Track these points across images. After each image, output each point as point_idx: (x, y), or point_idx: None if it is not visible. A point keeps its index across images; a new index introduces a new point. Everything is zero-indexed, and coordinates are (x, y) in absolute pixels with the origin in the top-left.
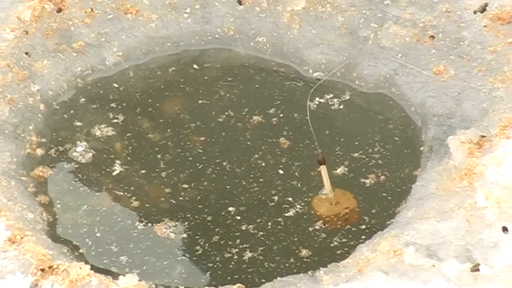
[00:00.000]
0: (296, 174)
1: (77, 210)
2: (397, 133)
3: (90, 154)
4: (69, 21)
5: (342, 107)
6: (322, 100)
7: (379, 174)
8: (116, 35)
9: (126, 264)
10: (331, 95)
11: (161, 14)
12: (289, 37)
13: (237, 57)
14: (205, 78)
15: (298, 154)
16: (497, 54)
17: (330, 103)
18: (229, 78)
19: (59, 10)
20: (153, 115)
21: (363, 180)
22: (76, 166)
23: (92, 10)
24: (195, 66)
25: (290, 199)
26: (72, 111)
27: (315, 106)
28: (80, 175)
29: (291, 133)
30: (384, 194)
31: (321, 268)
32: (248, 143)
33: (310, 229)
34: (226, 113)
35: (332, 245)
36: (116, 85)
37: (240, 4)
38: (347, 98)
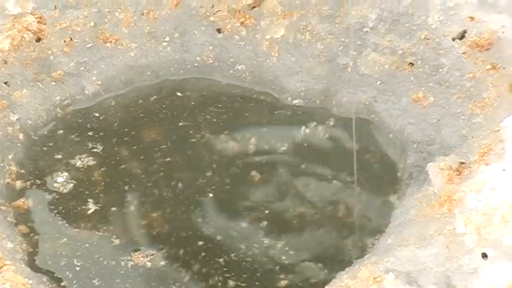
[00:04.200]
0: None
1: (56, 241)
2: (376, 160)
3: (71, 185)
4: (48, 51)
5: (326, 135)
6: (307, 130)
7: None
8: (95, 64)
9: None
10: (314, 123)
11: (140, 43)
12: (268, 65)
13: (218, 86)
14: (188, 104)
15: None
16: (476, 81)
17: (313, 132)
18: (211, 107)
19: (38, 39)
20: (134, 144)
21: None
22: (56, 197)
23: (71, 39)
24: (178, 93)
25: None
26: (51, 143)
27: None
28: (60, 206)
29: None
30: (364, 221)
31: None
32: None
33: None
34: (204, 138)
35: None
36: (97, 114)
37: (219, 32)
38: (331, 124)
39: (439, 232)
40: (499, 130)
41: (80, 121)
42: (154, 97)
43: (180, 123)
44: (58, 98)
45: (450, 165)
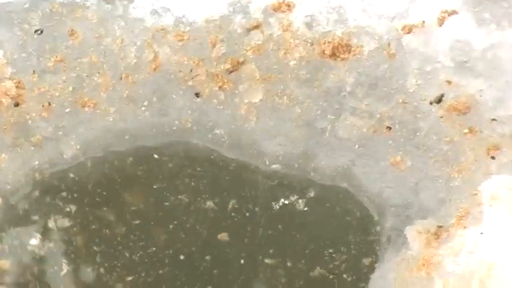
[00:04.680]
0: None
1: None
2: (355, 225)
3: (45, 246)
4: (26, 115)
5: (303, 206)
6: (286, 201)
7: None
8: (74, 129)
9: None
10: (295, 196)
11: (119, 107)
12: (246, 129)
13: (196, 150)
14: (166, 168)
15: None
16: (454, 144)
17: (290, 202)
18: (189, 170)
19: (17, 104)
20: (111, 204)
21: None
22: (33, 258)
23: (50, 104)
24: (155, 156)
25: None
26: (27, 206)
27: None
28: (36, 268)
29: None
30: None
31: None
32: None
33: None
34: (182, 200)
35: None
36: (72, 175)
37: (198, 96)
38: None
39: None
40: (476, 194)
41: (56, 183)
42: (131, 160)
43: (155, 186)
44: (37, 162)
45: (428, 229)
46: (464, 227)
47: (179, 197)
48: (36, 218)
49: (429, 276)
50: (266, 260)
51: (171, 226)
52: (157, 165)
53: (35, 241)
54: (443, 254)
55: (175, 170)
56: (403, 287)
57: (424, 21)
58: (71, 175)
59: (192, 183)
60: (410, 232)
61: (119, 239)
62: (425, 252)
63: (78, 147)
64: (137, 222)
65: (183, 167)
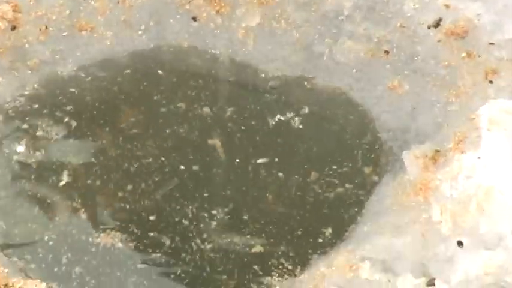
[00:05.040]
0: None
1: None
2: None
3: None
4: (23, 39)
5: (300, 125)
6: (282, 118)
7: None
8: (71, 52)
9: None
10: (292, 112)
11: (116, 31)
12: (244, 53)
13: (195, 67)
14: (167, 82)
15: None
16: (451, 68)
17: (290, 120)
18: (191, 81)
19: (13, 28)
20: (109, 118)
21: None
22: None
23: (47, 28)
24: (159, 71)
25: None
26: (27, 117)
27: (273, 123)
28: (29, 180)
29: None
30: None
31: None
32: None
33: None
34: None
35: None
36: (72, 90)
37: (195, 20)
38: (306, 111)
39: (414, 220)
40: (474, 118)
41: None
42: (129, 73)
43: (155, 97)
44: (34, 85)
45: (426, 153)
46: (462, 152)
47: (178, 105)
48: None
49: (427, 201)
50: (259, 161)
51: (167, 131)
52: (155, 79)
53: (19, 148)
54: (440, 179)
55: (176, 83)
56: (400, 212)
57: None
58: (70, 89)
59: (193, 94)
60: (408, 156)
61: (117, 151)
62: (422, 176)
63: (75, 69)
64: (135, 131)
65: (185, 79)
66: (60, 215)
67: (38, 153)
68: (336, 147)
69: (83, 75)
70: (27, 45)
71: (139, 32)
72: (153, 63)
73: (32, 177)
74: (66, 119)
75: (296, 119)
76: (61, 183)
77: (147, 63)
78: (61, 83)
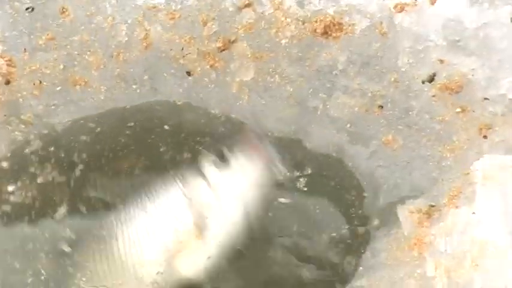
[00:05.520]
0: None
1: None
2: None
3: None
4: (17, 93)
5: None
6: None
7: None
8: (65, 107)
9: None
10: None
11: (110, 86)
12: (238, 107)
13: (188, 121)
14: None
15: None
16: (446, 123)
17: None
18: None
19: (8, 82)
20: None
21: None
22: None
23: (41, 82)
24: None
25: None
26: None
27: None
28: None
29: None
30: None
31: None
32: None
33: None
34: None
35: None
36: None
37: (189, 75)
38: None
39: (409, 275)
40: (468, 173)
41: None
42: (124, 127)
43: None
44: (28, 139)
45: (420, 208)
46: (457, 207)
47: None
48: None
49: (421, 256)
50: None
51: None
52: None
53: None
54: (435, 234)
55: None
56: (395, 267)
57: (416, 0)
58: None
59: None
60: (402, 211)
61: None
62: (417, 231)
63: (68, 125)
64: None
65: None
66: None
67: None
68: (334, 206)
69: (77, 129)
70: (21, 100)
71: (134, 87)
72: (146, 119)
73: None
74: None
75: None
76: None
77: (141, 117)
78: (55, 136)
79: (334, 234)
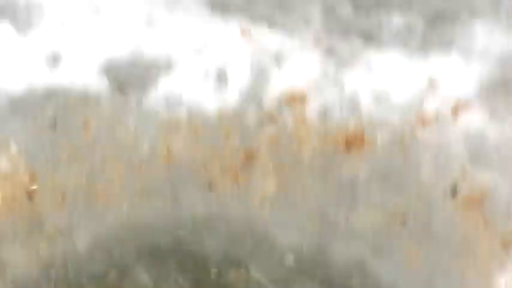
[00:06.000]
0: None
1: None
2: None
3: None
4: (40, 208)
5: None
6: None
7: None
8: (87, 222)
9: None
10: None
11: (132, 201)
12: (260, 221)
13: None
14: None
15: None
16: (468, 237)
17: None
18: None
19: (30, 197)
20: None
21: None
22: None
23: (63, 197)
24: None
25: None
26: None
27: None
28: None
29: None
30: None
31: None
32: None
33: None
34: None
35: None
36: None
37: (211, 189)
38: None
39: None
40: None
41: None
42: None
43: None
44: (50, 255)
45: None
46: None
47: None
48: None
49: None
50: None
51: None
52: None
53: None
54: None
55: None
56: None
57: (438, 113)
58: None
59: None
60: None
61: None
62: None
63: (91, 240)
64: None
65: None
66: None
67: None
68: None
69: (98, 252)
70: (43, 215)
71: (156, 201)
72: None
73: None
74: None
75: None
76: None
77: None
78: (76, 260)
79: None
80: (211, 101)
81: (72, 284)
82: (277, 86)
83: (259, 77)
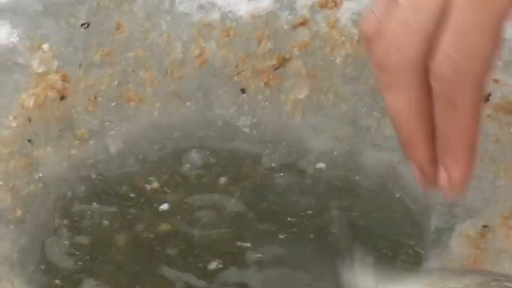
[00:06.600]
0: None
1: None
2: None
3: None
4: (72, 109)
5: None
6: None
7: None
8: (119, 123)
9: None
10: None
11: (164, 102)
12: (291, 126)
13: (239, 151)
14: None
15: None
16: (500, 144)
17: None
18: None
19: (62, 98)
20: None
21: None
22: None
23: (95, 98)
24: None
25: None
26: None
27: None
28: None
29: None
30: None
31: None
32: None
33: None
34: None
35: None
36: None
37: (243, 92)
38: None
39: None
40: None
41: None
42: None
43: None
44: (81, 156)
45: (473, 229)
46: (510, 228)
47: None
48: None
49: None
50: None
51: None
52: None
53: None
54: (487, 255)
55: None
56: None
57: None
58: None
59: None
60: (454, 232)
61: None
62: (469, 252)
63: (123, 142)
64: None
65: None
66: None
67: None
68: (386, 223)
69: (129, 155)
70: (75, 115)
71: (188, 103)
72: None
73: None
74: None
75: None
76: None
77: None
78: (106, 160)
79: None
80: (244, 3)
81: (102, 185)
82: None
83: None
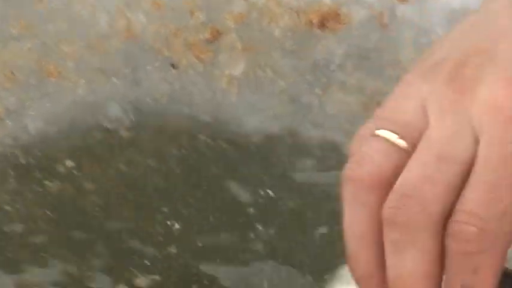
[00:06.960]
0: None
1: None
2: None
3: None
4: None
5: None
6: None
7: None
8: (39, 101)
9: None
10: None
11: (88, 79)
12: (226, 103)
13: (170, 125)
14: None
15: None
16: None
17: None
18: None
19: None
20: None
21: None
22: None
23: (13, 73)
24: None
25: None
26: None
27: None
28: None
29: None
30: None
31: None
32: None
33: None
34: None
35: None
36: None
37: (174, 68)
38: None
39: None
40: None
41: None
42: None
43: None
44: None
45: None
46: None
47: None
48: None
49: None
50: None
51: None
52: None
53: None
54: None
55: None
56: None
57: None
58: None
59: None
60: None
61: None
62: None
63: (43, 120)
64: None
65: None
66: None
67: None
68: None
69: (52, 132)
70: None
71: (114, 80)
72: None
73: None
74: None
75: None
76: None
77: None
78: (27, 141)
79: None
80: None
81: (22, 167)
82: None
83: None
